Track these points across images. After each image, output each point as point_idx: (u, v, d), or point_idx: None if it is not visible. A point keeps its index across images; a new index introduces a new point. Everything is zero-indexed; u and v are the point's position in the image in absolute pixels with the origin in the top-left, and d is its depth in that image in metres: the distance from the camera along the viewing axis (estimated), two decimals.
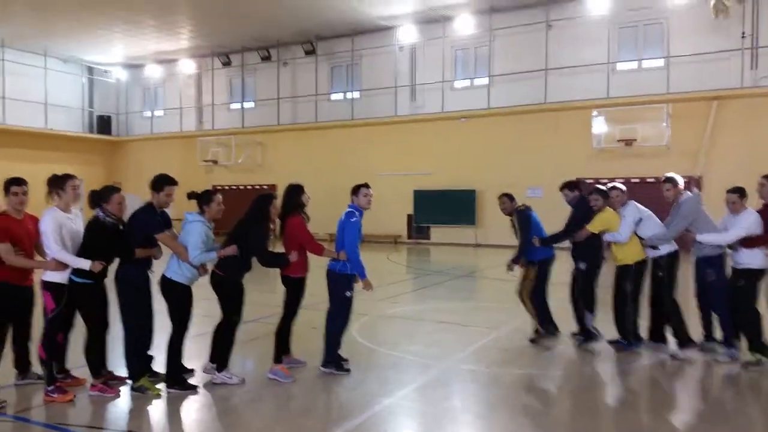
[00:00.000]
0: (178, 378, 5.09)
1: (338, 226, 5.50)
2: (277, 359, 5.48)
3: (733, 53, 16.88)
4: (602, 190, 6.40)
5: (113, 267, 5.00)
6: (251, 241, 5.18)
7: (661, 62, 17.94)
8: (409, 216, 21.44)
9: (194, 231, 5.04)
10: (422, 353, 6.27)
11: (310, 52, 23.34)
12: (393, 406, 4.73)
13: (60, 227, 4.77)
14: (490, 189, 18.92)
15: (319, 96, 23.57)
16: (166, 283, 5.03)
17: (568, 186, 6.65)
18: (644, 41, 18.37)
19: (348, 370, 5.50)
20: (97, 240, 4.86)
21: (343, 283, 5.43)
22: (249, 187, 24.21)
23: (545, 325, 6.59)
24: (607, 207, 6.28)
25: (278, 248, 5.48)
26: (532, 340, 6.64)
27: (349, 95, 23.19)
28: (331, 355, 5.51)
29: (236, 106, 25.69)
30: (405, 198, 21.07)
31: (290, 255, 5.34)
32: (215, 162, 25.00)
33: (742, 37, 16.74)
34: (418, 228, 21.34)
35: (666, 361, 5.94)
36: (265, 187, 24.14)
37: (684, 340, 6.01)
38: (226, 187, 24.12)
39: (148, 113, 28.31)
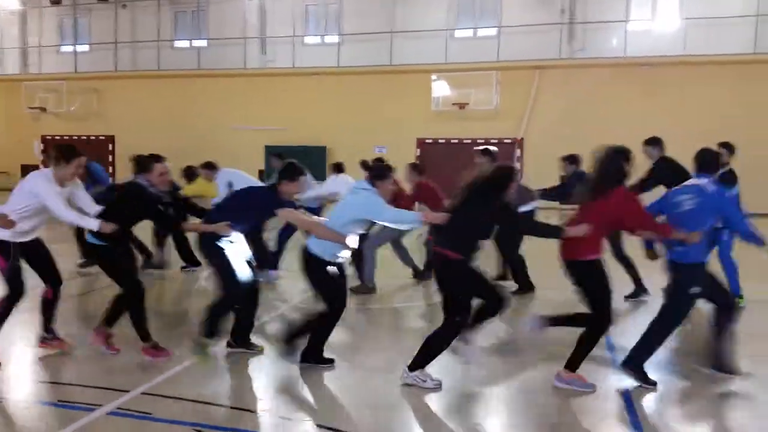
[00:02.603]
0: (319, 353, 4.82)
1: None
2: (572, 367, 4.42)
3: (554, 27, 18.88)
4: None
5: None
6: (506, 214, 4.41)
7: (494, 32, 19.55)
8: (260, 171, 21.57)
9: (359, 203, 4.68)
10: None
11: None
12: None
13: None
14: (340, 146, 19.66)
15: (161, 42, 22.49)
16: (311, 259, 4.67)
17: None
18: (480, 11, 19.84)
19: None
20: (128, 204, 4.80)
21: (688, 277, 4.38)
22: (84, 137, 22.70)
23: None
24: None
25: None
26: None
27: (195, 43, 22.42)
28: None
29: (68, 48, 23.66)
30: (257, 153, 21.14)
31: (577, 228, 4.23)
32: (43, 109, 23.02)
33: (562, 12, 18.77)
34: None
35: None
36: (101, 138, 22.82)
37: None
38: (57, 137, 22.43)
39: None
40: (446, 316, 4.41)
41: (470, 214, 4.31)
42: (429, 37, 19.72)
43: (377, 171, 4.82)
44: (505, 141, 19.10)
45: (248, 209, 4.93)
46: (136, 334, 4.93)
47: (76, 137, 22.70)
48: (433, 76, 19.13)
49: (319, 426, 3.86)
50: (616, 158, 4.36)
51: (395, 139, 19.27)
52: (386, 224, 5.18)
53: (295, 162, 4.96)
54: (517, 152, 19.03)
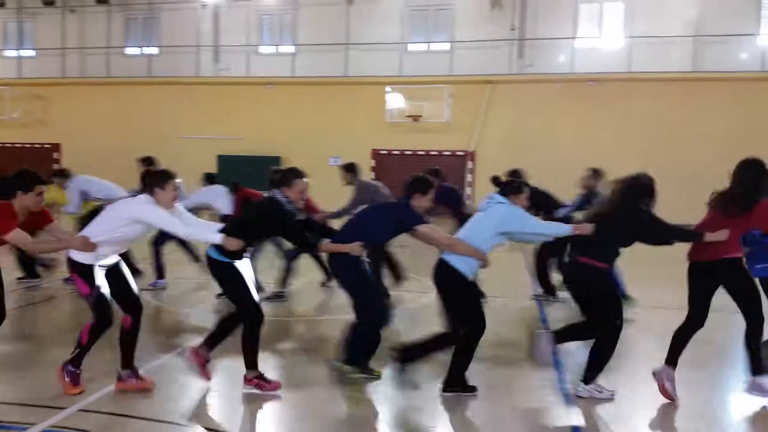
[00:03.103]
0: (461, 380, 4.55)
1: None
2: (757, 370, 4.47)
3: (504, 42, 19.35)
4: None
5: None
6: (654, 222, 4.43)
7: (447, 46, 19.90)
8: (206, 174, 21.24)
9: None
10: None
11: (102, 1, 21.62)
12: None
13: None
14: (294, 156, 19.56)
15: (111, 49, 22.04)
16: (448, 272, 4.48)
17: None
18: (434, 25, 20.18)
19: None
20: (264, 220, 4.54)
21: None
22: (28, 145, 22.01)
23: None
24: None
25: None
26: None
27: (146, 50, 22.05)
28: None
29: (12, 53, 22.93)
30: (209, 163, 20.82)
31: (719, 233, 4.32)
32: None
33: (512, 29, 19.27)
34: None
35: None
36: (47, 146, 22.16)
37: None
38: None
39: None
40: (595, 324, 4.51)
41: (618, 224, 4.40)
42: (383, 50, 19.93)
43: (513, 186, 4.81)
44: (458, 153, 19.42)
45: (383, 227, 4.74)
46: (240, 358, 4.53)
47: (19, 145, 21.99)
48: (387, 88, 19.32)
49: None
50: (761, 171, 4.38)
51: (350, 149, 19.27)
52: (531, 235, 4.93)
53: (425, 175, 4.91)
54: (470, 164, 19.36)
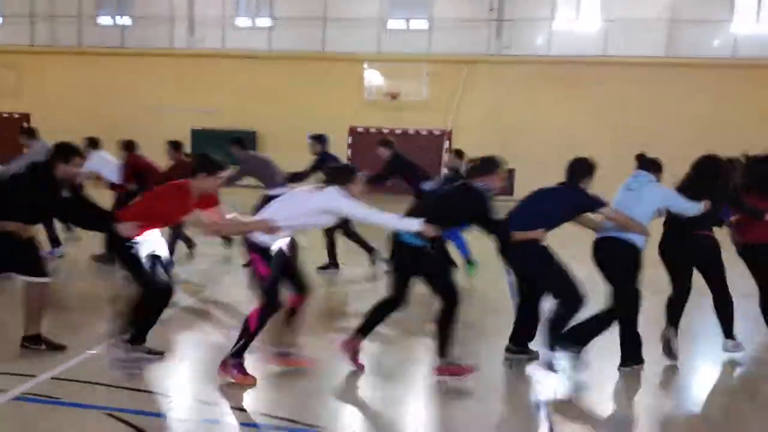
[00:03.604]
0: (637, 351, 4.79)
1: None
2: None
3: (483, 23, 19.32)
4: None
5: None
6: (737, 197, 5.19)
7: (425, 24, 19.81)
8: (185, 155, 21.02)
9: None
10: None
11: None
12: None
13: None
14: (271, 132, 19.49)
15: (83, 18, 21.48)
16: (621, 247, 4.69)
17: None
18: (413, 3, 20.04)
19: None
20: (464, 208, 4.57)
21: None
22: None
23: None
24: None
25: None
26: None
27: (119, 21, 21.53)
28: None
29: None
30: (183, 137, 20.45)
31: None
32: None
33: (490, 9, 19.24)
34: None
35: None
36: (16, 115, 21.62)
37: None
38: None
39: None
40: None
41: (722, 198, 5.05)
42: (362, 26, 19.75)
43: (657, 165, 5.14)
44: (435, 132, 19.47)
45: (562, 211, 4.79)
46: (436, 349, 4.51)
47: None
48: (365, 65, 19.20)
49: (264, 414, 3.93)
50: None
51: (327, 126, 18.81)
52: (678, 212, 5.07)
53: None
54: (446, 144, 19.43)
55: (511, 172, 18.29)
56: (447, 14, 19.39)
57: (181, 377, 4.60)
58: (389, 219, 4.37)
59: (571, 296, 4.62)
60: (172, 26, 20.92)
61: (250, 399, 4.10)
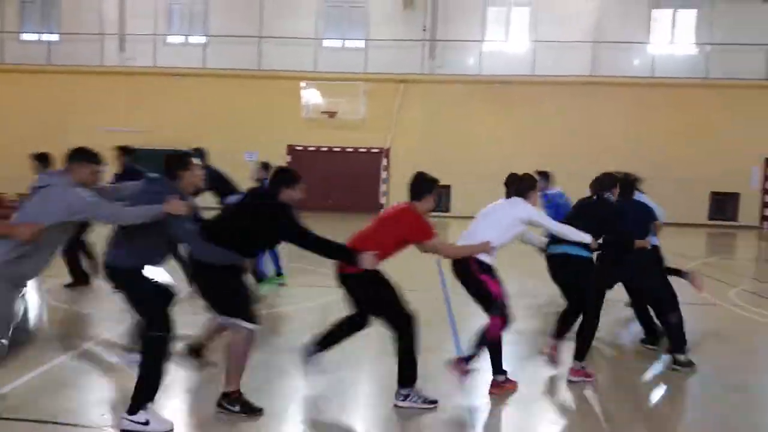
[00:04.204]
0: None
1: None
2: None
3: (417, 43, 19.82)
4: None
5: None
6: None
7: (361, 44, 20.13)
8: (117, 176, 20.40)
9: None
10: None
11: None
12: None
13: None
14: (208, 151, 19.12)
15: (6, 34, 20.64)
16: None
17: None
18: (348, 22, 20.34)
19: None
20: (608, 219, 5.03)
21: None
22: None
23: None
24: None
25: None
26: None
27: (45, 37, 20.81)
28: None
29: None
30: (114, 157, 19.94)
31: None
32: None
33: (423, 30, 19.77)
34: None
35: None
36: None
37: None
38: None
39: None
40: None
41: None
42: (298, 45, 19.87)
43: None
44: (373, 150, 19.73)
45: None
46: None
47: None
48: (303, 84, 19.29)
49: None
50: None
51: (265, 145, 19.15)
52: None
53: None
54: (384, 162, 19.72)
55: (446, 188, 18.85)
56: (382, 34, 19.78)
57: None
58: (568, 229, 4.79)
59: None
60: (102, 43, 20.39)
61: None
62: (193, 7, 20.59)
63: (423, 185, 4.40)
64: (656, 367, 5.44)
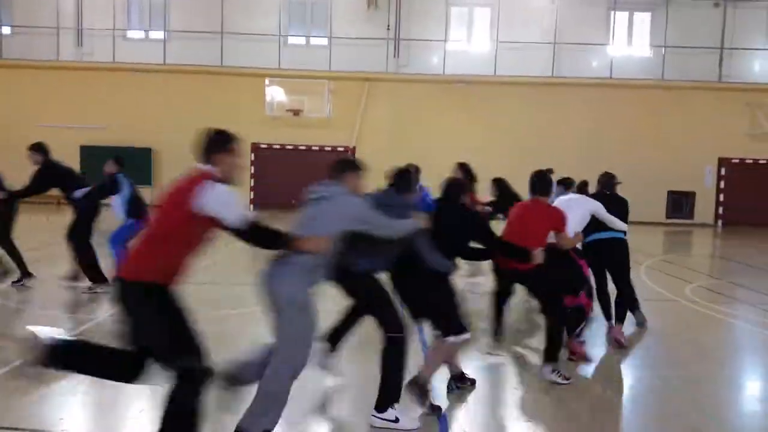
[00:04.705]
0: None
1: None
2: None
3: (381, 42, 19.83)
4: None
5: None
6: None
7: (325, 41, 20.02)
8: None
9: None
10: None
11: None
12: None
13: None
14: (167, 148, 18.82)
15: None
16: None
17: None
18: (312, 20, 20.21)
19: None
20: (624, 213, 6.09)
21: None
22: None
23: None
24: None
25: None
26: None
27: None
28: None
29: None
30: (70, 154, 19.39)
31: None
32: None
33: (387, 29, 19.80)
34: None
35: None
36: None
37: None
38: None
39: None
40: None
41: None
42: (261, 41, 19.64)
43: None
44: (339, 149, 19.66)
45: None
46: None
47: None
48: (267, 81, 19.07)
49: None
50: None
51: None
52: None
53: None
54: None
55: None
56: (345, 32, 19.72)
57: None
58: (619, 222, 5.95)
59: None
60: (58, 37, 19.78)
61: None
62: (152, 1, 20.14)
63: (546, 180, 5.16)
64: (611, 361, 5.60)
